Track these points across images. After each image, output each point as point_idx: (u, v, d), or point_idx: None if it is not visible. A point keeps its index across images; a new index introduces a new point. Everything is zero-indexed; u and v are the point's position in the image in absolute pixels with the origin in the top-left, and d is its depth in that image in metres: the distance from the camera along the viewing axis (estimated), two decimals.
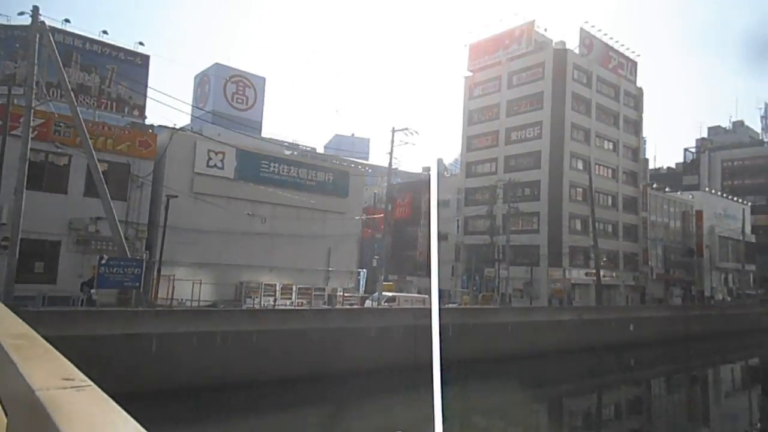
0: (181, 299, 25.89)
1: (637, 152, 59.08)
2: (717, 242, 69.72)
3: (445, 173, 71.29)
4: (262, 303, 30.24)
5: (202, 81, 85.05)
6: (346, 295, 34.36)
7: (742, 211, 75.62)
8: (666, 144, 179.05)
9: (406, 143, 36.57)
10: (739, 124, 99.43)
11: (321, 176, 34.67)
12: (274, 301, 31.46)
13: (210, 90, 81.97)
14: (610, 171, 55.71)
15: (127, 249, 20.15)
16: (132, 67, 27.89)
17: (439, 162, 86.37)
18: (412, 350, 23.28)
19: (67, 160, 25.92)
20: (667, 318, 38.43)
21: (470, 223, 57.24)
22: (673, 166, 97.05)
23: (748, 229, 76.37)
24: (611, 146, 56.07)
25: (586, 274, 51.66)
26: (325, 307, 28.02)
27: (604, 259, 51.64)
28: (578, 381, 28.43)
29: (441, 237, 59.06)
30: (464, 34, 70.89)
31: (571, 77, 51.36)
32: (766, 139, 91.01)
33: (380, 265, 49.37)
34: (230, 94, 78.45)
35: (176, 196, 27.05)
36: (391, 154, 36.38)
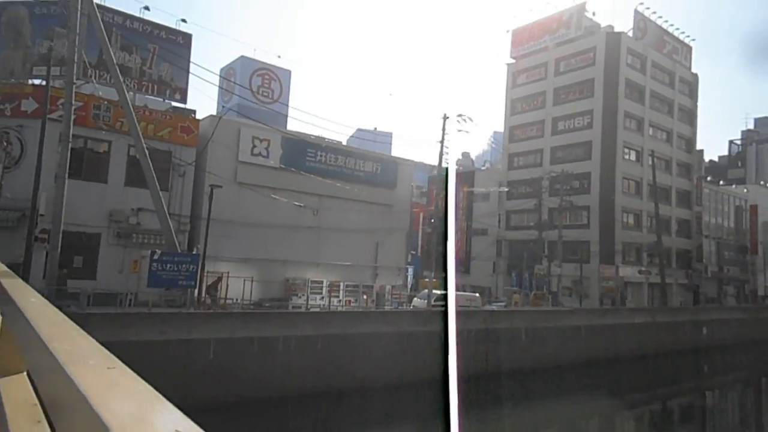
0: (226, 298, 23.94)
1: (691, 143, 55.66)
2: None
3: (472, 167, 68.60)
4: (309, 302, 28.29)
5: (227, 74, 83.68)
6: (394, 293, 32.24)
7: None
8: (710, 136, 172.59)
9: (460, 131, 34.16)
10: None
11: (369, 166, 32.41)
12: (322, 299, 29.48)
13: (236, 83, 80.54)
14: (663, 163, 52.37)
15: (177, 244, 18.14)
16: (174, 46, 25.95)
17: (466, 156, 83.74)
18: (483, 357, 21.00)
19: (107, 146, 24.11)
20: (740, 320, 35.49)
21: (513, 217, 54.50)
22: (716, 159, 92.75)
23: None
24: (665, 136, 52.79)
25: (639, 272, 48.72)
26: (389, 308, 25.78)
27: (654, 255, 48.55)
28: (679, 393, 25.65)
29: (480, 232, 56.54)
30: (506, 19, 67.70)
31: (625, 62, 48.20)
32: None
33: (415, 262, 47.11)
34: (256, 87, 76.91)
35: (221, 186, 25.08)
36: (442, 142, 33.97)
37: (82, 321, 10.47)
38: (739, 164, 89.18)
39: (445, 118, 34.24)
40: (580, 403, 21.25)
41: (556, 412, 20.31)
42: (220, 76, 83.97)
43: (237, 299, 22.41)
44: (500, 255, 54.74)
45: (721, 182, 65.95)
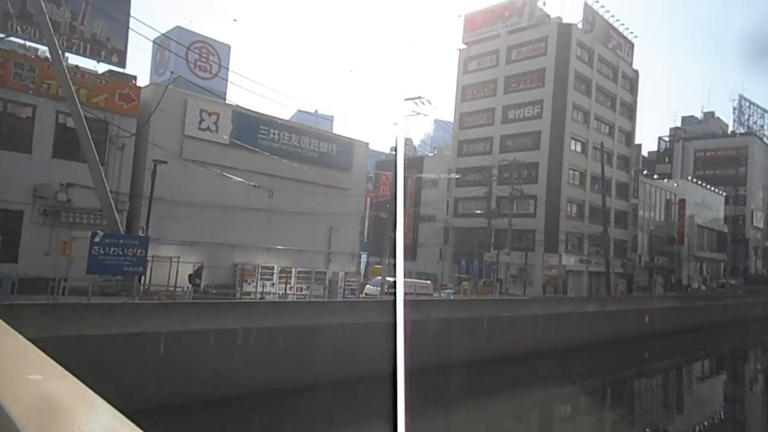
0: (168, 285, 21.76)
1: (630, 137, 57.66)
2: (695, 231, 69.95)
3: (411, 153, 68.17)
4: (258, 289, 26.59)
5: (161, 44, 78.41)
6: (348, 280, 31.00)
7: (719, 200, 76.34)
8: (639, 132, 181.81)
9: (417, 113, 33.11)
10: (710, 115, 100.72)
11: (324, 147, 30.77)
12: (272, 285, 27.81)
13: (170, 55, 75.64)
14: (605, 155, 53.90)
15: (120, 225, 15.99)
16: (110, 1, 23.09)
17: (408, 141, 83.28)
18: (447, 347, 20.28)
19: (30, 111, 21.13)
20: (677, 309, 37.04)
21: (461, 204, 54.50)
22: (645, 154, 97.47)
23: (720, 218, 77.41)
24: (607, 129, 54.30)
25: (580, 261, 50.08)
26: (349, 297, 24.48)
27: (596, 245, 50.11)
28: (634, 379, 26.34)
29: (428, 219, 56.25)
30: (460, 3, 67.06)
31: (575, 54, 48.88)
32: (738, 131, 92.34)
33: (362, 248, 45.99)
34: (193, 60, 72.61)
35: (165, 162, 22.79)
36: (400, 125, 32.88)
37: (6, 313, 8.50)
38: (666, 160, 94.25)
39: (406, 99, 33.16)
40: (545, 392, 21.03)
41: (525, 401, 19.98)
42: (155, 44, 78.77)
43: (185, 287, 20.38)
44: (447, 242, 54.68)
45: (655, 176, 69.16)
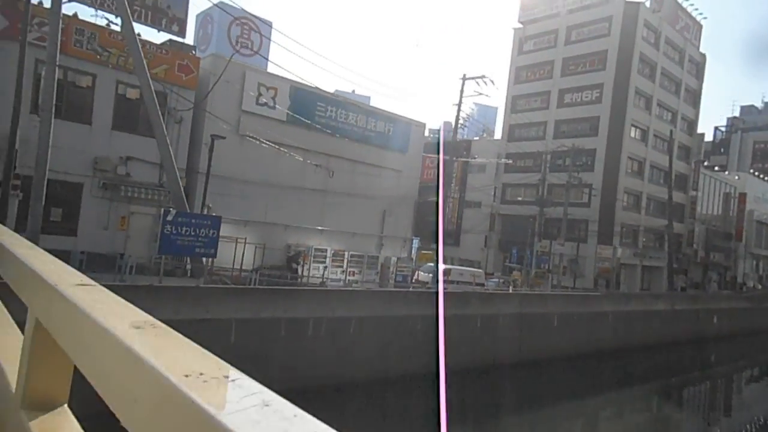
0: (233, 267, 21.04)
1: (693, 125, 54.54)
2: (754, 227, 66.37)
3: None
4: (310, 271, 25.77)
5: (204, 21, 77.79)
6: (400, 266, 29.90)
7: None
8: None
9: (480, 94, 31.52)
10: None
11: (381, 126, 29.49)
12: (325, 268, 26.96)
13: (213, 31, 75.02)
14: (665, 144, 51.12)
15: (186, 203, 15.16)
16: None
17: (447, 125, 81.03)
18: (517, 343, 19.01)
19: (90, 80, 20.46)
20: (745, 310, 34.81)
21: (509, 191, 52.65)
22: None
23: None
24: (670, 117, 51.36)
25: (634, 254, 47.86)
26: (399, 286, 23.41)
27: (659, 238, 47.76)
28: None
29: (473, 204, 54.54)
30: None
31: (641, 36, 46.01)
32: None
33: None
34: (234, 37, 71.81)
35: (224, 138, 21.92)
36: (459, 105, 31.36)
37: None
38: (722, 150, 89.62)
39: (464, 78, 31.55)
40: (620, 393, 19.66)
41: (600, 404, 18.68)
42: (198, 18, 78.42)
43: (237, 267, 19.60)
44: (493, 229, 53.04)
45: (714, 168, 65.56)
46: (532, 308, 19.89)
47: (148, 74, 14.85)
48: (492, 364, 18.01)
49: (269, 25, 78.16)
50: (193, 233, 12.80)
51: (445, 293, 18.03)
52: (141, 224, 21.76)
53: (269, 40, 75.30)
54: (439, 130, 58.51)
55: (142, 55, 15.06)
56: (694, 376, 27.14)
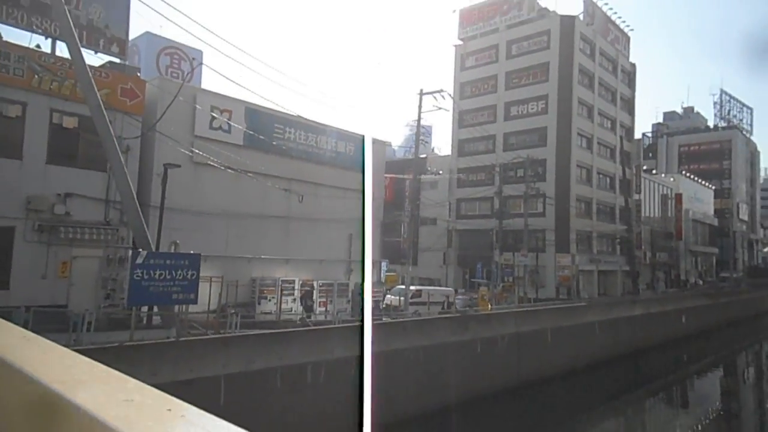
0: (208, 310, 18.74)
1: (631, 132, 56.67)
2: (690, 226, 69.70)
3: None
4: (281, 305, 23.82)
5: (130, 51, 74.34)
6: (372, 291, 28.33)
7: (709, 194, 76.46)
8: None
9: (439, 108, 30.78)
10: (689, 110, 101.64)
11: (342, 146, 28.10)
12: (294, 301, 25.02)
13: (140, 61, 71.80)
14: (608, 151, 52.77)
15: (151, 243, 13.05)
16: None
17: (387, 144, 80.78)
18: (515, 367, 17.90)
19: (19, 110, 17.87)
20: (707, 307, 35.64)
21: (464, 206, 52.42)
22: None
23: (710, 212, 77.54)
24: (609, 125, 53.10)
25: (590, 260, 48.55)
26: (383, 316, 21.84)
27: (618, 243, 48.77)
28: None
29: (429, 221, 53.88)
30: None
31: (578, 48, 47.43)
32: (720, 125, 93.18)
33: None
34: (164, 66, 69.09)
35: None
36: (419, 120, 30.48)
37: None
38: (650, 155, 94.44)
39: (422, 93, 30.77)
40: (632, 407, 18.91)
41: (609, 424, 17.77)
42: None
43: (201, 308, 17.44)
44: (450, 246, 52.51)
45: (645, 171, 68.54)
46: (528, 326, 18.90)
47: (99, 96, 12.77)
48: (491, 392, 16.74)
49: (200, 52, 74.89)
50: (168, 276, 10.75)
51: (444, 318, 16.66)
52: (85, 269, 19.11)
53: (199, 70, 72.20)
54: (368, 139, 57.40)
55: (93, 81, 13.00)
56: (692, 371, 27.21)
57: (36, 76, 17.73)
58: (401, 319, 16.89)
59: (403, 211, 53.26)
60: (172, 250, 13.01)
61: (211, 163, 22.56)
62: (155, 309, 16.81)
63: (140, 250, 11.64)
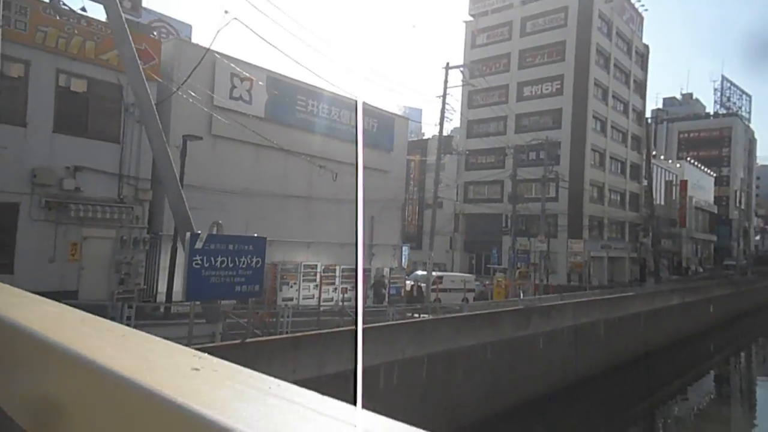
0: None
1: (642, 116, 55.37)
2: (693, 213, 69.11)
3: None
4: (301, 292, 22.11)
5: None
6: (393, 277, 26.72)
7: (710, 181, 75.98)
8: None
9: (466, 83, 28.98)
10: (688, 97, 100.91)
11: (366, 122, 26.15)
12: (316, 287, 23.26)
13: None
14: (620, 135, 51.44)
15: (193, 226, 11.15)
16: None
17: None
18: (574, 362, 16.41)
19: (22, 69, 15.63)
20: (731, 295, 34.76)
21: (471, 189, 50.80)
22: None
23: (711, 199, 77.12)
24: (622, 108, 51.68)
25: (602, 247, 47.47)
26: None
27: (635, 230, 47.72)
28: None
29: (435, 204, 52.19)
30: None
31: (596, 26, 45.68)
32: (720, 112, 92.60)
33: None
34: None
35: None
36: (444, 97, 28.62)
37: None
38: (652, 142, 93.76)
39: (448, 67, 28.87)
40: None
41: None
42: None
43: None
44: (457, 230, 50.95)
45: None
46: (585, 318, 17.43)
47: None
48: (548, 391, 15.24)
49: (189, 27, 71.56)
50: (230, 264, 8.87)
51: (508, 311, 15.06)
52: (97, 252, 17.13)
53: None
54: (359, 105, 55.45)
55: (133, 47, 10.89)
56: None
57: (39, 32, 15.48)
58: (468, 313, 15.23)
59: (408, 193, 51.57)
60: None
61: (232, 137, 20.54)
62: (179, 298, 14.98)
63: (199, 232, 9.71)
